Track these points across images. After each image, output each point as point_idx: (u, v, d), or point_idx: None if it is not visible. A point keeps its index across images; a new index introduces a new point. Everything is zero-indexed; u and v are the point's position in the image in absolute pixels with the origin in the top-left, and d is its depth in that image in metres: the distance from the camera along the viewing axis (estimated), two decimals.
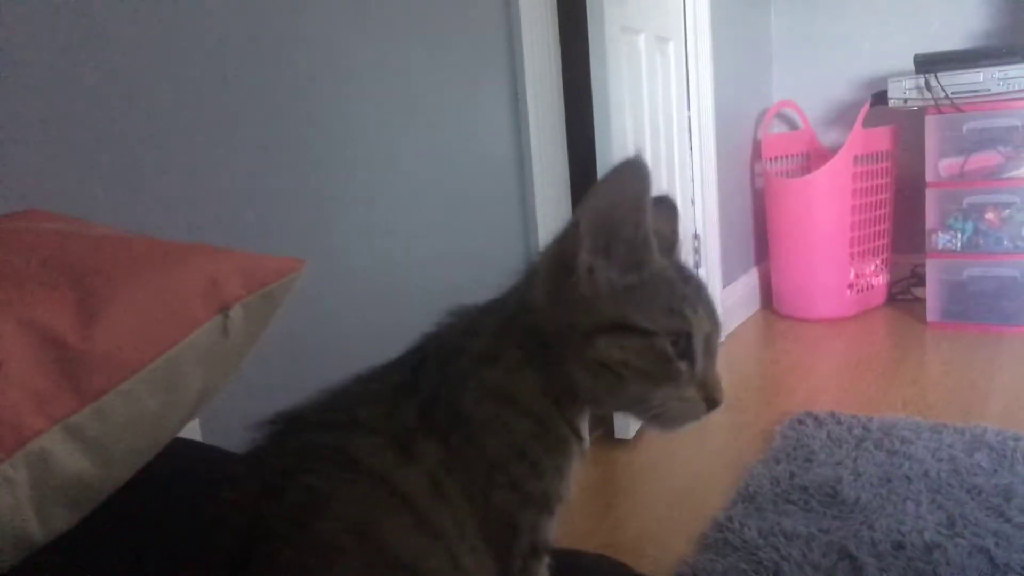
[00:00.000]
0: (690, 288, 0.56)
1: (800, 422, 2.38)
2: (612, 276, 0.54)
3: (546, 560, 0.56)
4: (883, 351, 3.11)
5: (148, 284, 0.82)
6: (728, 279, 3.30)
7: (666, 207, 0.66)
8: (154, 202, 1.29)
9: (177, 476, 0.90)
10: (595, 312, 0.54)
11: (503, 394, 0.55)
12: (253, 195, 1.46)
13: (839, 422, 2.35)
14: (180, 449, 0.99)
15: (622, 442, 2.40)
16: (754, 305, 3.56)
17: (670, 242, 0.61)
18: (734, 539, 1.82)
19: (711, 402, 0.57)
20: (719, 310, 0.58)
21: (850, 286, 3.32)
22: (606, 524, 2.00)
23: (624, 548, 1.86)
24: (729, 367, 3.05)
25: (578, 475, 0.58)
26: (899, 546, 1.73)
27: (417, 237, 1.85)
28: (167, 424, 0.84)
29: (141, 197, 1.27)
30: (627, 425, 2.40)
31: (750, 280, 3.55)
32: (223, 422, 1.29)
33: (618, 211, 0.53)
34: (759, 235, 3.57)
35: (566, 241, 0.55)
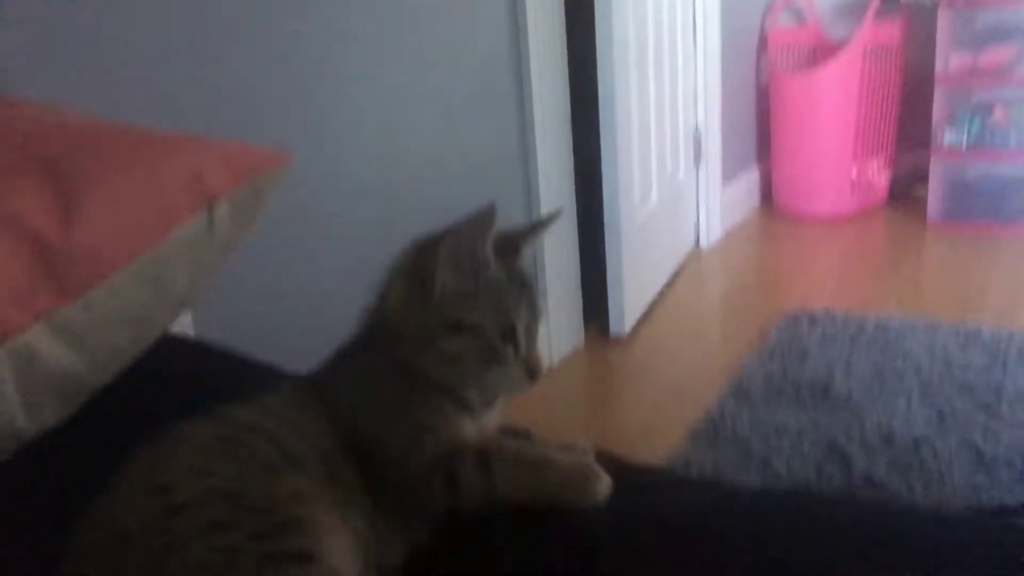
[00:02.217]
0: (514, 288, 0.70)
1: (795, 320, 2.39)
2: (454, 283, 0.68)
3: (451, 444, 0.67)
4: (882, 250, 3.10)
5: (130, 177, 0.80)
6: (728, 176, 3.25)
7: (532, 222, 0.78)
8: (136, 90, 1.24)
9: (168, 372, 0.90)
10: (439, 315, 0.68)
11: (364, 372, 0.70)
12: (242, 89, 1.41)
13: (834, 320, 2.36)
14: (172, 346, 0.99)
15: (616, 340, 2.42)
16: (753, 203, 3.53)
17: (518, 243, 0.74)
18: (726, 432, 1.85)
19: (532, 375, 0.70)
20: (543, 303, 0.73)
21: (852, 184, 3.28)
22: (599, 420, 2.03)
23: (617, 443, 1.88)
24: (726, 266, 3.05)
25: (470, 426, 0.70)
26: (888, 440, 1.77)
27: (410, 134, 1.80)
28: (154, 320, 0.83)
29: (120, 84, 1.22)
30: (621, 322, 2.41)
31: (750, 177, 3.50)
32: (216, 319, 1.29)
33: (468, 242, 0.68)
34: (762, 132, 3.50)
35: (424, 262, 0.68)
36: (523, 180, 2.16)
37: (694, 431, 1.87)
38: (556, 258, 2.27)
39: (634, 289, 2.46)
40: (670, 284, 2.78)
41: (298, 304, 1.54)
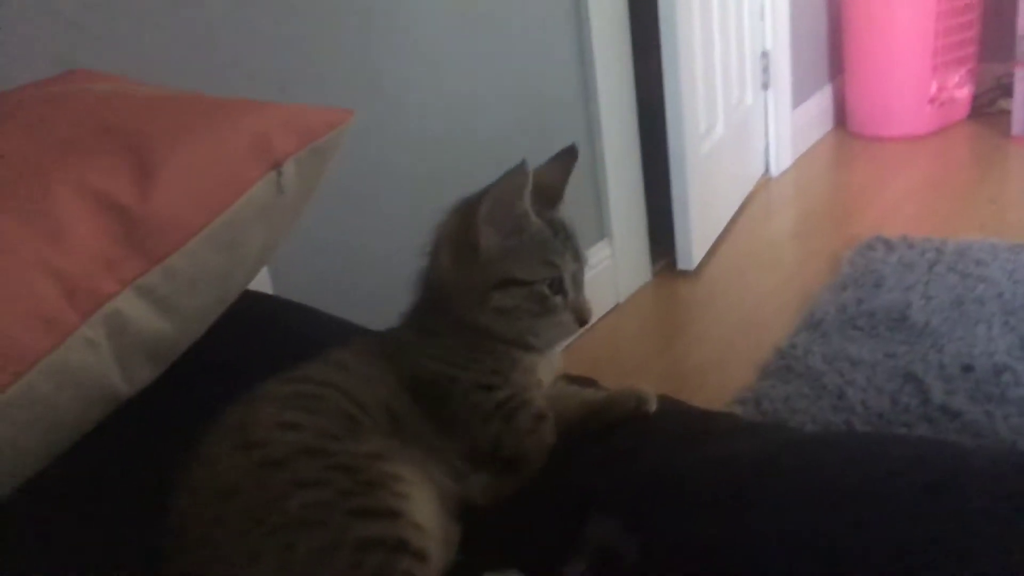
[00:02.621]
0: (559, 240, 0.74)
1: (870, 247, 2.32)
2: (500, 242, 0.72)
3: (531, 408, 0.71)
4: (962, 169, 2.97)
5: (200, 145, 0.82)
6: (799, 98, 3.13)
7: (564, 158, 0.82)
8: (197, 56, 1.26)
9: (250, 327, 0.94)
10: (489, 274, 0.72)
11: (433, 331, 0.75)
12: (306, 44, 1.42)
13: (911, 246, 2.29)
14: (252, 302, 1.02)
15: (684, 273, 2.40)
16: (827, 125, 3.40)
17: (558, 191, 0.78)
18: (797, 366, 1.83)
19: (581, 321, 0.75)
20: (580, 248, 0.76)
21: (931, 100, 3.12)
22: (668, 356, 2.03)
23: (685, 378, 1.90)
24: (797, 193, 2.97)
25: (539, 364, 0.76)
26: (967, 369, 1.72)
27: (469, 75, 1.79)
28: (232, 281, 0.87)
29: (182, 51, 1.24)
30: (689, 255, 2.38)
31: (823, 98, 3.37)
32: (292, 275, 1.33)
33: (506, 200, 0.71)
34: (834, 49, 3.35)
35: (467, 225, 0.72)
36: (584, 114, 2.13)
37: (765, 366, 1.86)
38: (620, 192, 2.25)
39: (701, 221, 2.42)
40: (739, 214, 2.73)
41: (370, 258, 1.57)
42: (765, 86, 2.96)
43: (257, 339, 0.92)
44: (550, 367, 0.77)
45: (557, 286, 0.73)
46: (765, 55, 2.92)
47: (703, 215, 2.43)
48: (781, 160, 3.06)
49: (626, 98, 2.23)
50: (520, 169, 0.70)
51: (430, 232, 0.77)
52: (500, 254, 0.72)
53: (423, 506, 0.60)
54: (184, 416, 0.71)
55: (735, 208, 2.73)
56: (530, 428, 0.70)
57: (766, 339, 1.96)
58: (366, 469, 0.60)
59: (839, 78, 3.38)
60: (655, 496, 0.63)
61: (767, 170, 3.06)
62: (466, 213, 0.73)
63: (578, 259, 0.75)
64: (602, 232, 2.24)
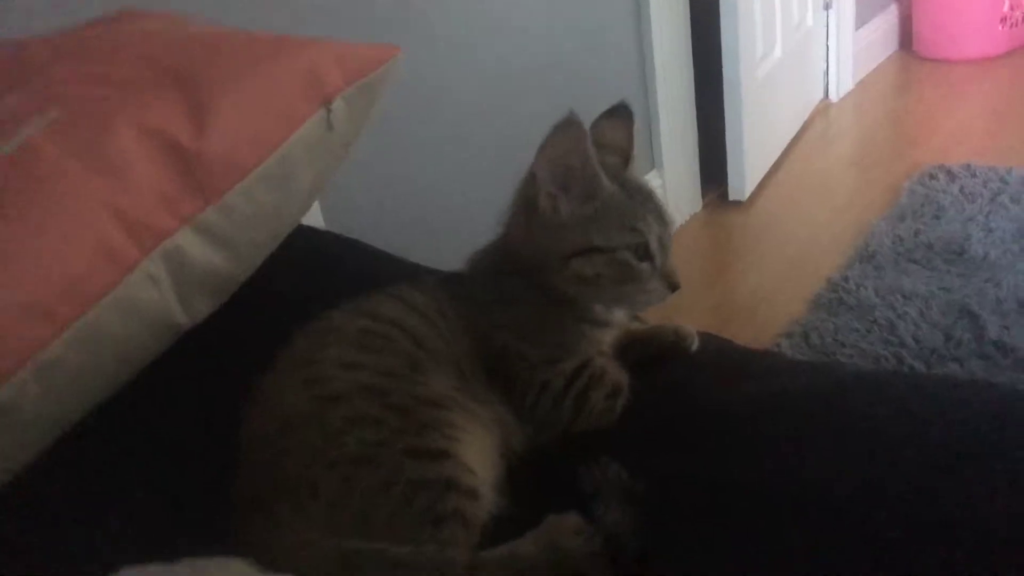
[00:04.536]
0: (638, 202, 0.70)
1: (931, 176, 2.25)
2: (573, 208, 0.68)
3: (604, 386, 0.69)
4: None
5: (252, 83, 0.83)
6: (862, 18, 3.00)
7: (621, 116, 0.76)
8: None
9: (304, 261, 0.97)
10: (566, 241, 0.69)
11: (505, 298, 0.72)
12: None
13: (974, 175, 2.21)
14: (307, 236, 1.05)
15: (736, 203, 2.36)
16: (891, 46, 3.26)
17: (625, 152, 0.74)
18: (849, 299, 1.81)
19: (672, 286, 0.71)
20: (668, 210, 0.73)
21: (1003, 19, 2.96)
22: (719, 286, 2.02)
23: (736, 309, 1.90)
24: (857, 118, 2.87)
25: (608, 338, 0.74)
26: None
27: (519, 5, 1.76)
28: (285, 217, 0.89)
29: None
30: (742, 186, 2.34)
31: (888, 18, 3.22)
32: (344, 211, 1.35)
33: (566, 160, 0.67)
34: None
35: (529, 194, 0.69)
36: (636, 36, 2.08)
37: (816, 297, 1.84)
38: (672, 120, 2.21)
39: (755, 149, 2.37)
40: (795, 141, 2.66)
41: (423, 196, 1.58)
42: (827, 6, 2.84)
43: (313, 273, 0.95)
44: (617, 332, 0.75)
45: (643, 252, 0.68)
46: None
47: (757, 143, 2.38)
48: (842, 84, 2.95)
49: (680, 19, 2.17)
50: (569, 121, 0.66)
51: (511, 195, 0.74)
52: (574, 221, 0.68)
53: (475, 451, 0.62)
54: (245, 346, 0.74)
55: (791, 135, 2.66)
56: (604, 408, 0.68)
57: (818, 271, 1.94)
58: (420, 411, 0.62)
59: None
60: (666, 442, 0.65)
61: (826, 94, 2.96)
62: (525, 181, 0.70)
63: (663, 221, 0.70)
64: (652, 161, 2.21)
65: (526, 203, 0.70)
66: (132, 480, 0.69)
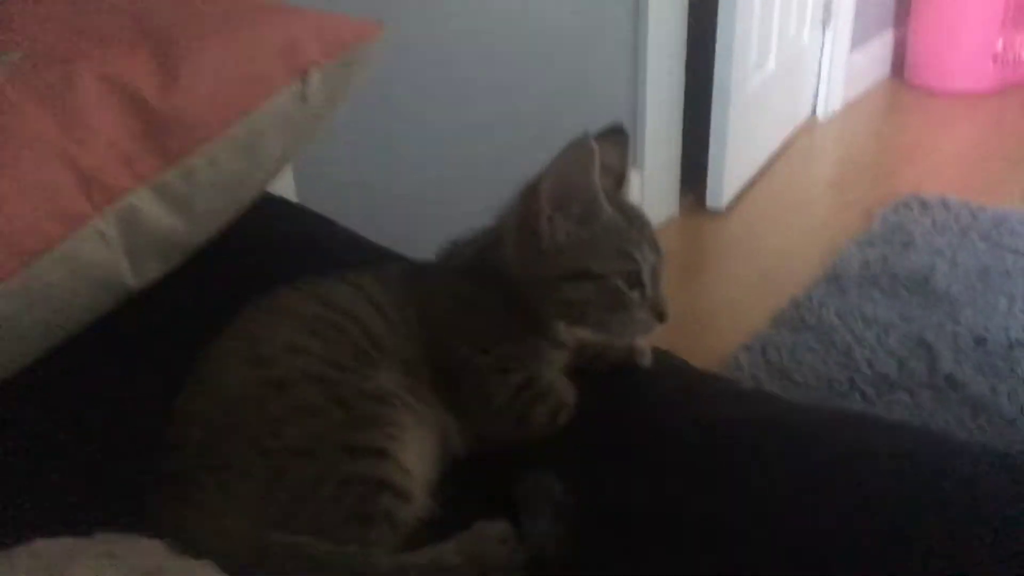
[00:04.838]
0: (635, 229, 0.68)
1: (905, 205, 2.27)
2: (570, 230, 0.66)
3: (550, 401, 0.69)
4: (1015, 135, 2.85)
5: (227, 46, 0.81)
6: (858, 40, 3.00)
7: (616, 137, 0.74)
8: None
9: (271, 233, 0.95)
10: (558, 265, 0.66)
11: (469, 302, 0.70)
12: None
13: (947, 208, 2.24)
14: (276, 208, 1.03)
15: (713, 211, 2.37)
16: (882, 72, 3.28)
17: (619, 175, 0.72)
18: (810, 318, 1.83)
19: (660, 317, 0.69)
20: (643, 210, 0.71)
21: (994, 57, 2.98)
22: (686, 293, 2.03)
23: (698, 318, 1.90)
24: (842, 140, 2.89)
25: (562, 358, 0.72)
26: (980, 341, 1.71)
27: None
28: (248, 185, 0.87)
29: None
30: (720, 195, 2.35)
31: (883, 43, 3.23)
32: (318, 184, 1.33)
33: (571, 180, 0.65)
34: None
35: (529, 210, 0.66)
36: (631, 31, 2.06)
37: (779, 314, 1.85)
38: (658, 120, 2.20)
39: (737, 159, 2.37)
40: (778, 156, 2.67)
41: (403, 179, 1.56)
42: (825, 23, 2.84)
43: (278, 247, 0.93)
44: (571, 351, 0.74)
45: (634, 280, 0.66)
46: None
47: (740, 153, 2.38)
48: (830, 104, 2.96)
49: (677, 21, 2.15)
50: (582, 142, 0.64)
51: (497, 215, 0.71)
52: (570, 243, 0.66)
53: (414, 451, 0.61)
54: (197, 313, 0.72)
55: (775, 149, 2.66)
56: (545, 423, 0.68)
57: (785, 288, 1.95)
58: (364, 405, 0.61)
59: (903, 23, 3.24)
60: (607, 457, 0.65)
61: (814, 112, 2.97)
62: (526, 197, 0.67)
63: (657, 250, 0.69)
64: (633, 159, 2.21)
65: (524, 218, 0.67)
66: (54, 451, 0.67)
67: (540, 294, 0.68)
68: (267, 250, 0.91)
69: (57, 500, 0.62)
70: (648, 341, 0.76)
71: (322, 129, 0.92)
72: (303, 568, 0.53)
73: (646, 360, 0.75)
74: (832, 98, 2.96)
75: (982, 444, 0.67)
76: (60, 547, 0.47)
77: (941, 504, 0.57)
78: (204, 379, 0.64)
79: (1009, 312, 1.80)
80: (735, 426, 0.67)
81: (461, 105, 1.65)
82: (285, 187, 1.21)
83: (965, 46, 3.01)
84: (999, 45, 2.99)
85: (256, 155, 0.84)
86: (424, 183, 1.61)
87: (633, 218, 0.69)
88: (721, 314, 1.92)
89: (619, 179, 0.72)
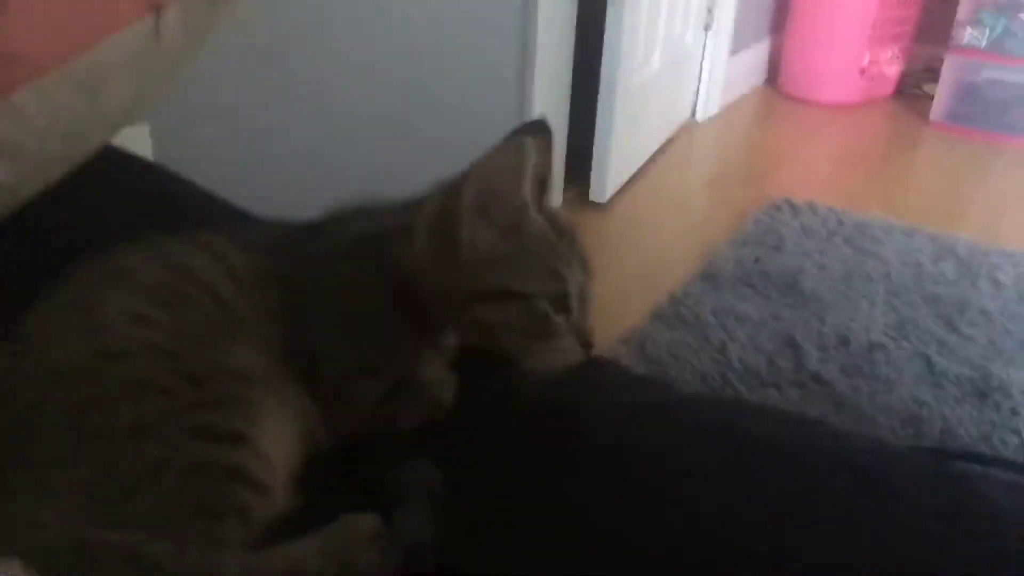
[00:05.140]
0: (565, 244, 0.59)
1: (777, 208, 2.34)
2: (493, 241, 0.57)
3: (411, 385, 0.60)
4: (878, 146, 3.02)
5: None
6: (737, 46, 3.09)
7: (540, 134, 0.64)
8: None
9: (120, 189, 0.84)
10: (476, 279, 0.57)
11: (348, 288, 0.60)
12: None
13: (815, 213, 2.32)
14: (127, 163, 0.92)
15: (595, 205, 2.36)
16: (758, 79, 3.39)
17: (543, 178, 0.62)
18: (687, 314, 1.84)
19: (587, 346, 0.60)
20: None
21: (861, 71, 3.14)
22: None
23: None
24: (719, 142, 2.96)
25: (442, 359, 0.63)
26: (844, 341, 1.77)
27: None
28: (89, 131, 0.76)
29: None
30: (603, 187, 2.35)
31: (759, 51, 3.34)
32: (176, 140, 1.21)
33: (500, 184, 0.56)
34: (780, 2, 3.31)
35: (448, 213, 0.57)
36: (521, 21, 2.03)
37: (657, 309, 1.86)
38: (545, 111, 2.17)
39: (621, 155, 2.38)
40: (658, 154, 2.70)
41: (270, 147, 1.45)
42: (707, 27, 2.90)
43: (125, 202, 0.82)
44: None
45: (561, 304, 0.58)
46: None
47: (623, 148, 2.39)
48: (709, 106, 3.03)
49: (566, 14, 2.13)
50: (517, 142, 0.56)
51: (415, 210, 0.61)
52: (491, 256, 0.57)
53: (275, 439, 0.53)
54: (19, 276, 0.62)
55: (656, 147, 2.70)
56: (417, 423, 0.59)
57: (663, 284, 1.96)
58: (220, 383, 0.52)
59: (778, 33, 3.36)
60: (497, 440, 0.59)
61: (693, 114, 3.03)
62: (447, 197, 0.58)
63: (586, 270, 0.61)
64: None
65: (441, 220, 0.58)
66: None
67: (447, 308, 0.59)
68: (113, 208, 0.80)
69: None
70: None
71: (179, 73, 0.82)
72: (134, 571, 0.44)
73: None
74: (711, 101, 3.03)
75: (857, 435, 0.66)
76: None
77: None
78: (21, 351, 0.53)
79: (870, 315, 1.88)
80: (620, 411, 0.62)
81: (340, 82, 1.56)
82: (140, 145, 1.09)
83: (834, 59, 3.16)
84: (865, 59, 3.14)
85: (99, 97, 0.73)
86: (291, 154, 1.50)
87: (563, 231, 0.60)
88: (602, 308, 1.88)
89: (543, 183, 0.62)
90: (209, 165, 1.12)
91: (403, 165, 1.27)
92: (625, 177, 2.47)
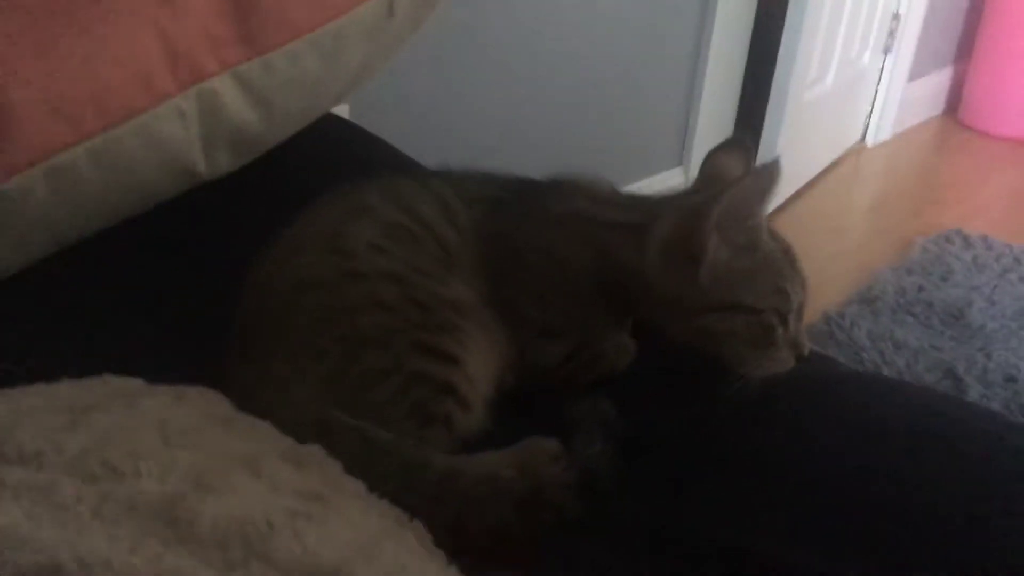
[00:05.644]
0: (788, 263, 0.63)
1: (947, 239, 2.25)
2: (730, 258, 0.60)
3: (587, 352, 0.65)
4: None
5: None
6: (917, 72, 2.97)
7: (740, 150, 0.70)
8: None
9: (326, 148, 0.94)
10: (710, 295, 0.61)
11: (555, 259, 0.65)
12: None
13: (989, 247, 2.21)
14: (331, 123, 1.02)
15: None
16: (937, 108, 3.24)
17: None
18: (841, 335, 1.81)
19: (800, 357, 0.64)
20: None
21: None
22: None
23: None
24: (888, 168, 2.86)
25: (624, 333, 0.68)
26: (1011, 379, 1.69)
27: None
28: (325, 92, 0.87)
29: None
30: None
31: (940, 79, 3.20)
32: (371, 104, 1.31)
33: (745, 206, 0.59)
34: (969, 28, 3.15)
35: (692, 232, 0.60)
36: (696, 31, 2.05)
37: (808, 327, 1.83)
38: (710, 122, 2.19)
39: (785, 170, 2.34)
40: (823, 174, 2.64)
41: (454, 117, 1.55)
42: (887, 50, 2.81)
43: (333, 160, 0.92)
44: None
45: (783, 317, 0.62)
46: (896, 17, 2.76)
47: (788, 165, 2.34)
48: (881, 131, 2.94)
49: (742, 24, 2.14)
50: (771, 169, 0.59)
51: (646, 215, 0.65)
52: (727, 271, 0.61)
53: (479, 365, 0.60)
54: (259, 211, 0.71)
55: (821, 167, 2.64)
56: (592, 384, 0.65)
57: (816, 303, 1.93)
58: (440, 311, 0.60)
59: (962, 62, 3.20)
60: (660, 390, 0.63)
61: (864, 137, 2.94)
62: (692, 215, 0.61)
63: (805, 287, 0.64)
64: (679, 158, 2.20)
65: (683, 237, 0.61)
66: (127, 303, 0.67)
67: (673, 313, 0.63)
68: (321, 165, 0.90)
69: (125, 346, 0.61)
70: None
71: (401, 48, 0.91)
72: (360, 450, 0.52)
73: None
74: (884, 125, 2.93)
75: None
76: (131, 384, 0.46)
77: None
78: (281, 256, 0.63)
79: None
80: (794, 379, 0.65)
81: (528, 74, 1.64)
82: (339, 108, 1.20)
83: (1022, 92, 2.98)
84: None
85: (337, 61, 0.83)
86: (477, 123, 1.59)
87: (787, 250, 0.64)
88: None
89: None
90: (398, 125, 1.22)
91: (575, 155, 1.34)
92: (785, 195, 2.44)
